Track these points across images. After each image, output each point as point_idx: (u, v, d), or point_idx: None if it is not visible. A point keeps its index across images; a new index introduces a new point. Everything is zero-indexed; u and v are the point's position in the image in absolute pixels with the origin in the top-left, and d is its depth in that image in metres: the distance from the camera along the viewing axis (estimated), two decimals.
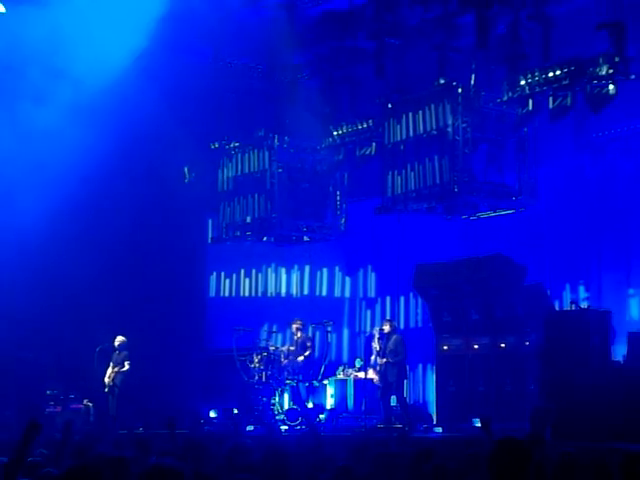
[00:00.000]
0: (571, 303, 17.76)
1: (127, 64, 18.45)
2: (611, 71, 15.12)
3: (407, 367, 18.73)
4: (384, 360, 18.00)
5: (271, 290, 24.42)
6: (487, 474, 5.51)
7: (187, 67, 20.16)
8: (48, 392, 19.68)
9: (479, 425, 13.59)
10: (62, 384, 19.95)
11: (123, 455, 7.94)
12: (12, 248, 19.12)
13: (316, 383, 19.51)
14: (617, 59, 15.08)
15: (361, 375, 19.92)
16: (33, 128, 18.38)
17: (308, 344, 19.66)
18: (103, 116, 18.85)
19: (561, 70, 15.73)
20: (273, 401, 19.04)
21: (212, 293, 23.92)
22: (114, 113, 18.94)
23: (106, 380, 18.98)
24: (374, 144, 19.18)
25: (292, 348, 19.66)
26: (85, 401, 19.85)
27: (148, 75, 19.12)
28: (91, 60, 18.18)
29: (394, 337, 18.17)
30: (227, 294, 24.12)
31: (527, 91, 16.22)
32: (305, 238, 21.62)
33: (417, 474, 7.48)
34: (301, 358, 19.48)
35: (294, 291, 24.55)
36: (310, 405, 19.12)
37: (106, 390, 19.01)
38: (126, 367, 18.98)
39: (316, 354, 20.95)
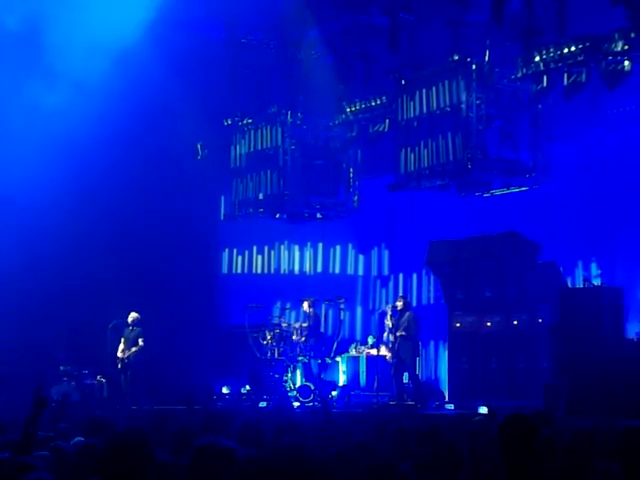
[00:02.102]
0: (584, 280, 17.75)
1: (138, 39, 18.38)
2: (627, 47, 14.97)
3: (419, 344, 18.72)
4: (398, 333, 17.96)
5: (284, 267, 24.41)
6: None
7: (200, 43, 20.09)
8: (61, 368, 19.75)
9: (485, 412, 13.58)
10: (75, 360, 20.01)
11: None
12: (27, 224, 19.15)
13: (328, 360, 19.53)
14: (633, 35, 14.93)
15: (373, 352, 19.93)
16: (41, 106, 18.33)
17: (309, 322, 19.45)
18: (114, 93, 18.80)
19: (576, 46, 15.59)
20: (285, 378, 19.09)
21: (225, 270, 23.94)
22: (126, 90, 18.90)
23: (119, 356, 19.06)
24: (387, 121, 19.10)
25: (304, 325, 19.66)
26: (98, 377, 19.93)
27: (161, 52, 19.07)
28: (102, 37, 18.14)
29: (407, 314, 18.16)
30: (240, 271, 24.13)
31: (542, 67, 16.09)
32: (318, 215, 21.59)
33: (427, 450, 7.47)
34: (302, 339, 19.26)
35: (307, 268, 24.53)
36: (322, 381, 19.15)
37: (119, 366, 19.09)
38: (140, 344, 19.03)
39: (329, 331, 20.96)
